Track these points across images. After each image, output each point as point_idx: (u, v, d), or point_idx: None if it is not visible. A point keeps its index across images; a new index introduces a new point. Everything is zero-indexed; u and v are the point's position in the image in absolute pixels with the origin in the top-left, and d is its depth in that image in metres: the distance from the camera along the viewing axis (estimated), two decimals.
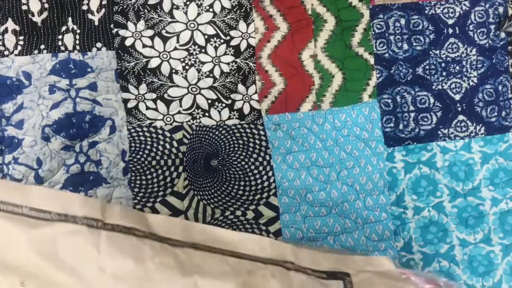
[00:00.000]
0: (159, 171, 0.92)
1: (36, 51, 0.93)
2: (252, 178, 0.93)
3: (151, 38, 0.95)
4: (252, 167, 0.93)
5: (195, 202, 0.91)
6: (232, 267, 0.59)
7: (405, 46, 0.96)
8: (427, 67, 0.96)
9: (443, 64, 0.96)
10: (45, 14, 0.94)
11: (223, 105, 0.95)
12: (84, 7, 0.95)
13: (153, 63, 0.95)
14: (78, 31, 0.94)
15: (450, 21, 0.96)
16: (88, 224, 0.59)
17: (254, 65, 0.96)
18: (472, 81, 0.96)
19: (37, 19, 0.94)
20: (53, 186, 0.87)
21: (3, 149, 0.90)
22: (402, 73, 0.96)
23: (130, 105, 0.94)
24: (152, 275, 0.56)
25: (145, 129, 0.94)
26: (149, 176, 0.92)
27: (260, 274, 0.59)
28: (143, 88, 0.94)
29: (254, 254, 0.62)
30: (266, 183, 0.93)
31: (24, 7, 0.93)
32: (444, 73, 0.96)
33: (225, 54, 0.96)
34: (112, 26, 0.95)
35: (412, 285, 0.63)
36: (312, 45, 0.96)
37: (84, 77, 0.93)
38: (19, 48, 0.93)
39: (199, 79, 0.95)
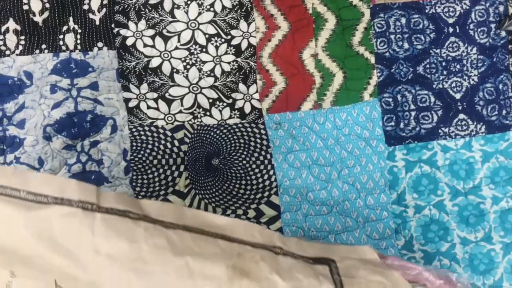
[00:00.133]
0: (161, 170, 0.92)
1: (37, 51, 0.93)
2: (253, 177, 0.93)
3: (152, 37, 0.95)
4: (253, 166, 0.94)
5: (196, 201, 0.91)
6: (222, 249, 0.60)
7: (406, 45, 0.96)
8: (427, 66, 0.96)
9: (443, 63, 0.96)
10: (46, 14, 0.94)
11: (224, 104, 0.96)
12: (85, 7, 0.95)
13: (154, 63, 0.95)
14: (79, 30, 0.94)
15: (451, 20, 0.96)
16: (83, 207, 0.60)
17: (255, 64, 0.96)
18: (473, 80, 0.96)
19: (38, 18, 0.94)
20: None
21: (4, 148, 0.90)
22: (402, 72, 0.96)
23: (132, 104, 0.94)
24: (146, 255, 0.57)
25: (146, 128, 0.94)
26: (150, 175, 0.92)
27: (249, 257, 0.60)
28: (144, 87, 0.95)
29: (243, 238, 0.63)
30: (267, 182, 0.93)
31: (25, 7, 0.94)
32: (444, 72, 0.96)
33: (226, 53, 0.96)
34: (113, 25, 0.95)
35: (394, 271, 0.63)
36: (313, 44, 0.96)
37: (85, 76, 0.93)
38: (21, 47, 0.93)
39: (200, 79, 0.96)
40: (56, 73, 0.93)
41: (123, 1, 0.95)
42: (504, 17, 0.96)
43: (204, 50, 0.96)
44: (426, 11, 0.96)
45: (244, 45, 0.96)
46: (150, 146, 0.93)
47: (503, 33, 0.96)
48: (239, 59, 0.96)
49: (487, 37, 0.96)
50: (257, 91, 0.96)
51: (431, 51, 0.96)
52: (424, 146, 0.94)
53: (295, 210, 0.92)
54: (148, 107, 0.94)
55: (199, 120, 0.95)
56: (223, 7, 0.96)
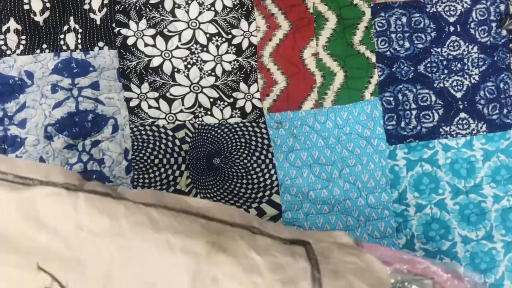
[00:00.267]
0: (162, 170, 0.92)
1: (38, 51, 0.93)
2: (254, 176, 0.93)
3: (153, 37, 0.95)
4: (254, 165, 0.94)
5: None
6: (202, 227, 0.62)
7: (407, 44, 0.96)
8: (428, 65, 0.96)
9: (444, 62, 0.96)
10: (47, 14, 0.94)
11: (225, 103, 0.96)
12: (86, 6, 0.95)
13: (155, 62, 0.95)
14: (80, 30, 0.94)
15: (452, 19, 0.96)
16: (67, 188, 0.62)
17: (256, 63, 0.96)
18: (474, 78, 0.96)
19: (39, 18, 0.94)
20: None
21: (6, 148, 0.90)
22: (403, 71, 0.96)
23: (133, 104, 0.94)
24: (126, 232, 0.59)
25: (147, 127, 0.94)
26: (151, 175, 0.92)
27: (228, 235, 0.61)
28: (145, 87, 0.95)
29: (223, 218, 0.64)
30: (268, 181, 0.93)
31: (26, 7, 0.94)
32: (445, 71, 0.96)
33: (227, 52, 0.96)
34: (114, 25, 0.95)
35: (369, 254, 0.64)
36: (313, 43, 0.96)
37: (86, 76, 0.94)
38: (21, 47, 0.93)
39: (201, 78, 0.96)
40: (57, 72, 0.93)
41: (123, 1, 0.95)
42: (505, 16, 0.96)
43: (205, 49, 0.96)
44: (427, 10, 0.96)
45: (245, 44, 0.96)
46: (151, 146, 0.93)
47: (504, 32, 0.96)
48: (240, 59, 0.96)
49: (488, 36, 0.96)
50: (258, 90, 0.96)
51: (432, 50, 0.96)
52: (425, 145, 0.94)
53: (296, 209, 0.92)
54: (149, 107, 0.94)
55: (200, 119, 0.95)
56: (224, 7, 0.96)
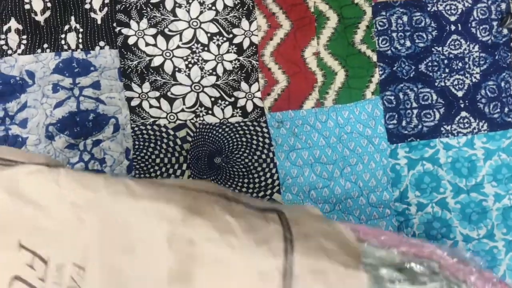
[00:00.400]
0: (163, 169, 0.92)
1: (39, 50, 0.93)
2: (255, 175, 0.93)
3: (154, 36, 0.95)
4: (256, 164, 0.94)
5: None
6: (178, 194, 0.64)
7: (408, 43, 0.96)
8: (429, 64, 0.96)
9: (445, 61, 0.96)
10: (47, 13, 0.94)
11: (226, 103, 0.96)
12: (87, 6, 0.95)
13: (156, 62, 0.95)
14: (81, 30, 0.94)
15: (453, 18, 0.96)
16: (48, 165, 0.64)
17: (257, 63, 0.96)
18: (475, 77, 0.96)
19: (40, 18, 0.94)
20: None
21: None
22: (404, 70, 0.96)
23: (134, 103, 0.94)
24: (107, 201, 0.61)
25: (148, 127, 0.94)
26: (153, 174, 0.92)
27: (204, 200, 0.63)
28: (146, 86, 0.95)
29: (198, 188, 0.67)
30: (269, 180, 0.93)
31: (27, 6, 0.94)
32: (446, 70, 0.96)
33: (228, 52, 0.96)
34: (115, 24, 0.95)
35: (338, 223, 0.67)
36: (314, 42, 0.96)
37: (87, 75, 0.94)
38: (22, 47, 0.93)
39: (202, 77, 0.96)
40: (58, 72, 0.93)
41: (124, 0, 0.95)
42: (506, 15, 0.96)
43: (206, 48, 0.96)
44: (428, 9, 0.96)
45: (246, 43, 0.96)
46: (152, 145, 0.93)
47: (505, 31, 0.96)
48: (241, 58, 0.96)
49: (489, 35, 0.96)
50: (259, 90, 0.96)
51: (433, 49, 0.96)
52: (426, 144, 0.95)
53: None
54: (150, 106, 0.94)
55: (201, 118, 0.95)
56: (225, 6, 0.96)
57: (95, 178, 0.62)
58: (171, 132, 0.94)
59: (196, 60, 0.96)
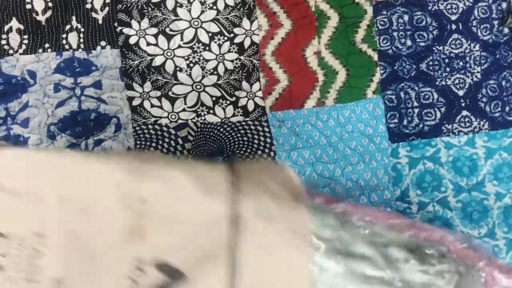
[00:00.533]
0: None
1: (40, 50, 0.93)
2: None
3: (155, 36, 0.95)
4: None
5: None
6: (125, 158, 0.67)
7: (409, 42, 0.96)
8: (430, 63, 0.96)
9: (446, 60, 0.96)
10: (49, 13, 0.94)
11: (228, 102, 0.96)
12: (88, 6, 0.95)
13: (158, 61, 0.95)
14: (82, 29, 0.95)
15: (453, 17, 0.97)
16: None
17: (258, 62, 0.96)
18: (476, 76, 0.96)
19: (41, 18, 0.94)
20: None
21: None
22: (405, 69, 0.96)
23: (135, 103, 0.94)
24: (60, 164, 0.63)
25: (150, 126, 0.94)
26: None
27: (151, 160, 0.66)
28: (147, 86, 0.95)
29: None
30: None
31: (28, 6, 0.94)
32: (447, 69, 0.96)
33: (229, 51, 0.96)
34: (116, 24, 0.95)
35: (286, 167, 0.70)
36: (315, 41, 0.96)
37: (88, 75, 0.94)
38: (24, 47, 0.93)
39: (203, 77, 0.96)
40: (59, 72, 0.93)
41: (125, 0, 0.95)
42: (506, 14, 0.96)
43: (207, 48, 0.96)
44: (429, 8, 0.96)
45: (247, 43, 0.96)
46: (154, 144, 0.93)
47: (506, 30, 0.97)
48: (242, 57, 0.96)
49: (490, 34, 0.96)
50: (260, 89, 0.96)
51: (434, 48, 0.96)
52: (428, 143, 0.95)
53: None
54: (152, 106, 0.94)
55: (203, 118, 0.95)
56: (226, 5, 0.96)
57: (34, 153, 0.66)
58: (173, 132, 0.94)
59: (197, 60, 0.96)
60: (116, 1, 0.95)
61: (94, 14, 0.95)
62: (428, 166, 0.94)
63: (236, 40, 0.96)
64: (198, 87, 0.96)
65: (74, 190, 0.61)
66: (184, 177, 0.62)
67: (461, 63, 0.96)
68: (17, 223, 0.60)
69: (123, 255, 0.58)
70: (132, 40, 0.95)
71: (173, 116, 0.95)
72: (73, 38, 0.94)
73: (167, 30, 0.95)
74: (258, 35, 0.96)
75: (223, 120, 0.95)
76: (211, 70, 0.96)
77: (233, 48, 0.96)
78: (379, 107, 0.95)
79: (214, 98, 0.96)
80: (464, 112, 0.96)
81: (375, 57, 0.96)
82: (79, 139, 0.91)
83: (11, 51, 0.93)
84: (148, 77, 0.95)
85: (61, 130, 0.91)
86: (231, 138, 0.95)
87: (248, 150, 0.94)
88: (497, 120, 0.95)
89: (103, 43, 0.94)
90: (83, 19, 0.95)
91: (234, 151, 0.94)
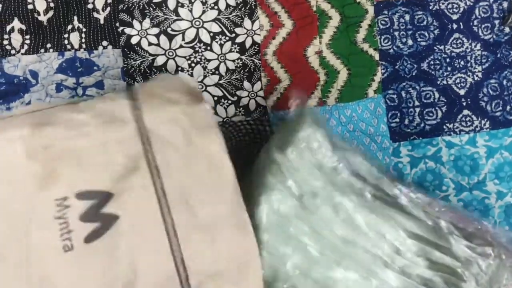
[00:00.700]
0: None
1: (42, 50, 0.94)
2: None
3: (157, 36, 0.95)
4: None
5: None
6: (30, 117, 0.67)
7: (410, 42, 0.96)
8: (431, 62, 0.96)
9: (447, 59, 0.96)
10: (50, 13, 0.94)
11: (229, 101, 0.96)
12: (90, 6, 0.95)
13: (159, 61, 0.95)
14: (84, 29, 0.95)
15: (455, 17, 0.97)
16: None
17: (260, 62, 0.97)
18: (477, 76, 0.97)
19: (43, 18, 0.94)
20: None
21: None
22: (407, 69, 0.96)
23: None
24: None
25: None
26: None
27: (49, 113, 0.67)
28: None
29: (44, 107, 0.71)
30: None
31: (30, 6, 0.94)
32: (448, 68, 0.96)
33: (230, 51, 0.96)
34: (117, 24, 0.95)
35: (184, 77, 0.76)
36: (317, 41, 0.96)
37: (90, 75, 0.94)
38: (26, 47, 0.93)
39: (205, 77, 0.96)
40: (61, 72, 0.93)
41: (127, 0, 0.95)
42: (508, 13, 0.96)
43: (208, 48, 0.96)
44: (430, 7, 0.96)
45: (248, 43, 0.97)
46: None
47: (507, 29, 0.97)
48: (243, 57, 0.96)
49: (491, 33, 0.97)
50: (261, 89, 0.96)
51: (435, 47, 0.96)
52: (429, 142, 0.95)
53: None
54: None
55: None
56: (227, 5, 0.96)
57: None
58: None
59: (198, 60, 0.96)
60: (117, 1, 0.95)
61: (95, 14, 0.95)
62: (429, 165, 0.94)
63: (238, 40, 0.96)
64: (200, 87, 0.96)
65: None
66: (87, 115, 0.65)
67: (462, 63, 0.96)
68: None
69: (43, 202, 0.59)
70: (134, 40, 0.95)
71: None
72: (75, 38, 0.94)
73: (169, 30, 0.95)
74: (259, 35, 0.97)
75: (224, 120, 0.96)
76: (213, 70, 0.96)
77: (235, 48, 0.96)
78: (380, 107, 0.96)
79: (215, 98, 0.96)
80: (465, 111, 0.96)
81: (376, 56, 0.96)
82: None
83: (13, 51, 0.93)
84: (150, 77, 0.95)
85: None
86: (232, 138, 0.95)
87: (250, 149, 0.94)
88: (498, 119, 0.96)
89: (104, 43, 0.95)
90: (85, 19, 0.95)
91: (236, 150, 0.95)
